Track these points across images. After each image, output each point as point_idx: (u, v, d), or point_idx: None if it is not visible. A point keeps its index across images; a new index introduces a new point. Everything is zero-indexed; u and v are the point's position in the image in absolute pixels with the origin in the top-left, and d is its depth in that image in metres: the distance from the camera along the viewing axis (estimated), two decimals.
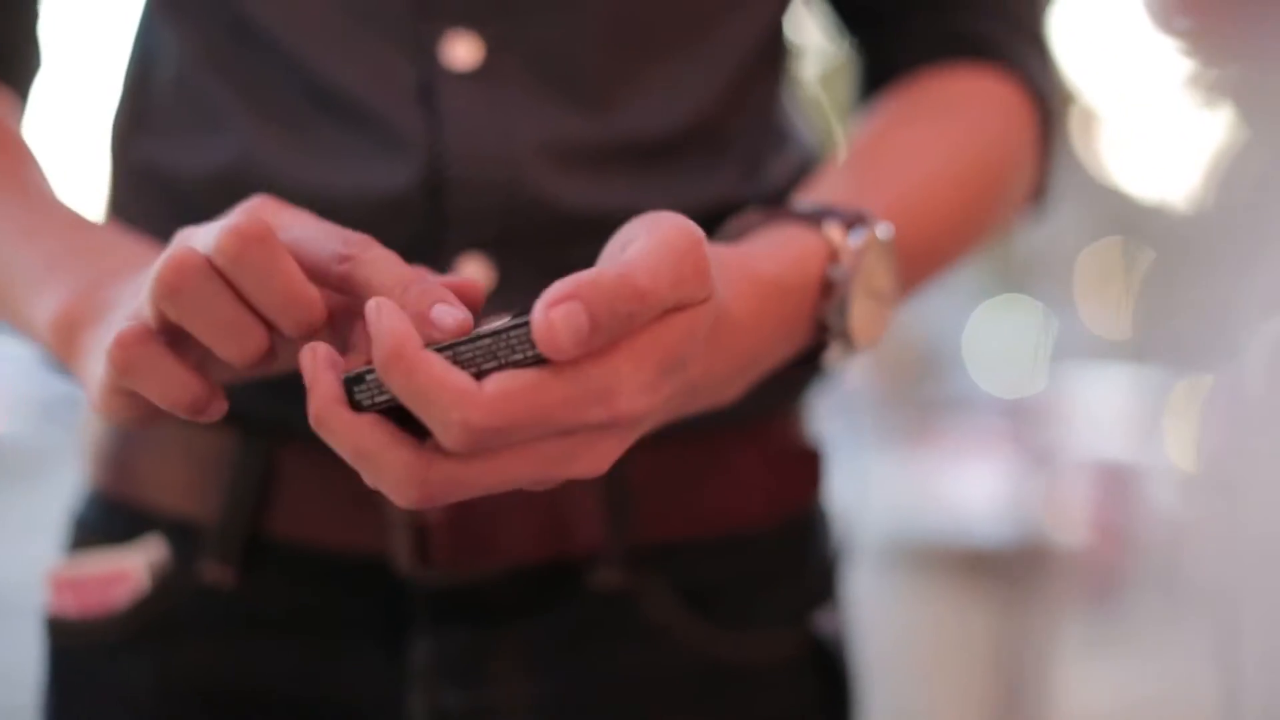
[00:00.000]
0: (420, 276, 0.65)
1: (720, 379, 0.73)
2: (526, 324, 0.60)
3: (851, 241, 0.79)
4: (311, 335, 0.64)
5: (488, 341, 0.61)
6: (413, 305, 0.63)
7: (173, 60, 0.92)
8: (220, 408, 0.66)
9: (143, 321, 0.64)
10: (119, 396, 0.67)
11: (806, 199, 0.85)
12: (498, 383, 0.59)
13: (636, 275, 0.61)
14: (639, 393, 0.62)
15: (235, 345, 0.64)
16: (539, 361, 0.60)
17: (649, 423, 0.66)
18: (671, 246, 0.63)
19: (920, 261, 0.90)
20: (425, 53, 0.86)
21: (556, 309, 0.58)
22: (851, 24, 1.04)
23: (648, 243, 0.63)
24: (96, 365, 0.68)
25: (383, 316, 0.59)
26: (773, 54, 0.98)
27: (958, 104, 0.96)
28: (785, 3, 0.97)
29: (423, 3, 0.87)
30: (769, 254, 0.77)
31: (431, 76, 0.86)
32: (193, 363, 0.66)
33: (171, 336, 0.65)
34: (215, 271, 0.63)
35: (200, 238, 0.65)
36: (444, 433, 0.59)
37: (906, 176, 0.90)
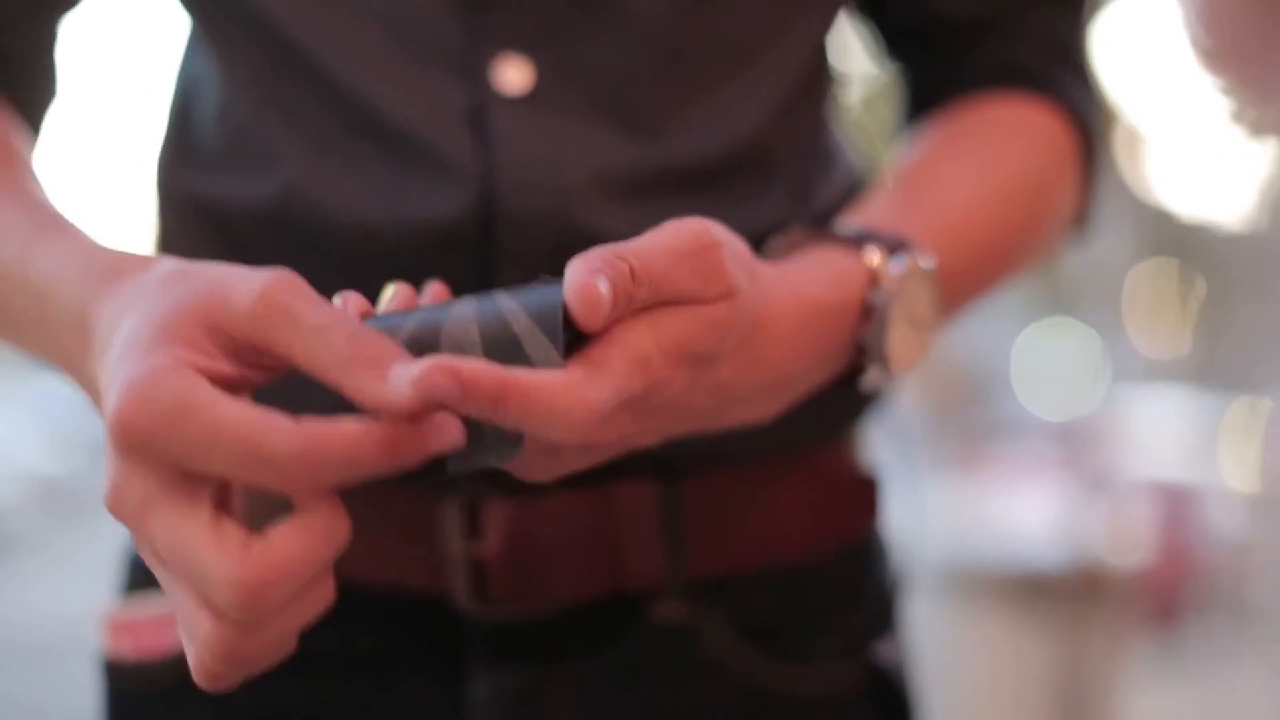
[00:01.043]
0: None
1: (756, 390, 0.73)
2: (536, 318, 0.61)
3: (892, 267, 0.80)
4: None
5: (513, 332, 0.61)
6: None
7: (217, 92, 0.92)
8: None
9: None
10: None
11: (850, 223, 0.85)
12: (582, 370, 0.61)
13: (629, 257, 0.63)
14: (666, 364, 0.65)
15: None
16: (553, 329, 0.61)
17: (683, 407, 0.69)
18: (669, 247, 0.65)
19: (961, 286, 0.90)
20: (476, 77, 0.86)
21: (600, 279, 0.60)
22: (896, 50, 1.04)
23: (649, 237, 0.65)
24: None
25: (461, 369, 0.57)
26: (819, 78, 0.97)
27: (1000, 132, 0.96)
28: (828, 24, 0.97)
29: (473, 26, 0.86)
30: (811, 274, 0.78)
31: (482, 101, 0.86)
32: None
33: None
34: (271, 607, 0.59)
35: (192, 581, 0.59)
36: (569, 426, 0.60)
37: (949, 203, 0.90)
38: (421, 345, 0.61)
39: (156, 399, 0.57)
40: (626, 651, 0.89)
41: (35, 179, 0.84)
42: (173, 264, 0.64)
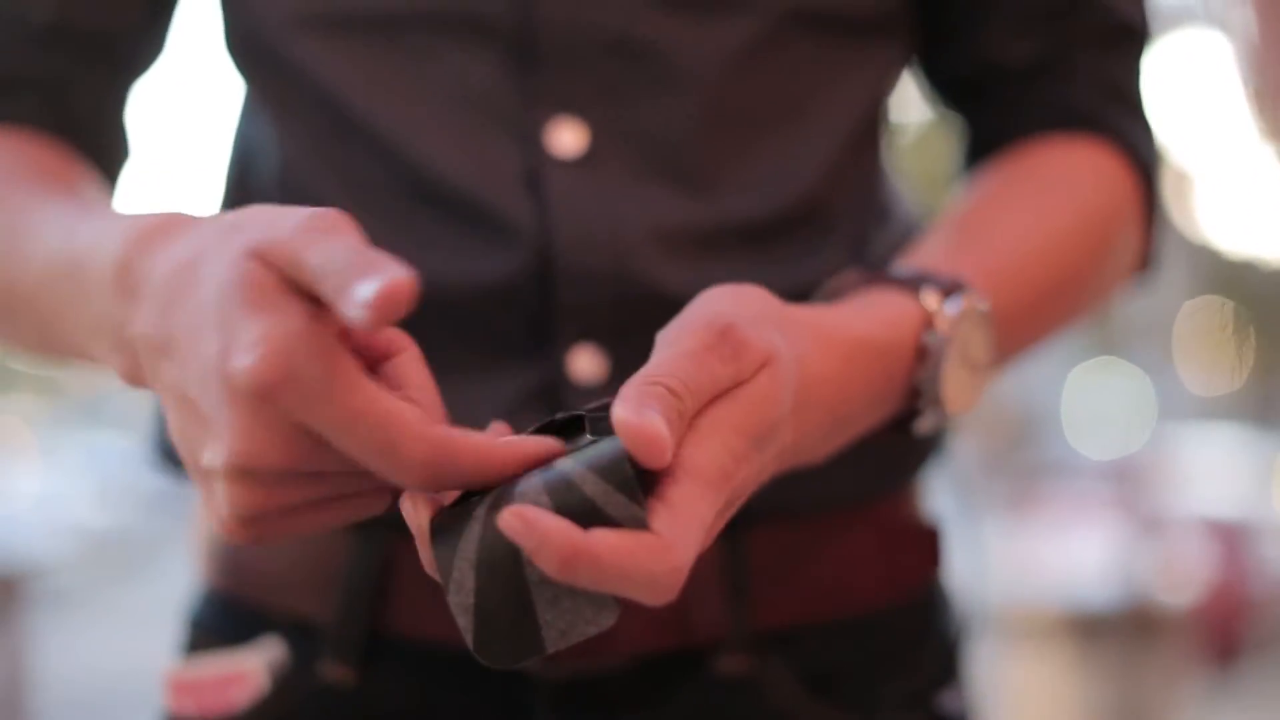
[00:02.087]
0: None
1: (813, 436, 0.73)
2: (610, 457, 0.59)
3: (948, 309, 0.79)
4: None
5: (586, 496, 0.58)
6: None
7: (275, 155, 0.93)
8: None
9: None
10: None
11: (905, 264, 0.85)
12: (666, 524, 0.59)
13: (662, 379, 0.61)
14: (740, 464, 0.63)
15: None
16: (627, 483, 0.58)
17: (756, 482, 0.68)
18: (690, 349, 0.63)
19: (1019, 329, 0.89)
20: (531, 140, 0.87)
21: (652, 415, 0.58)
22: (952, 96, 1.03)
23: (668, 348, 0.64)
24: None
25: (539, 520, 0.56)
26: (875, 131, 0.97)
27: (1061, 175, 0.95)
28: (891, 83, 0.97)
29: (528, 90, 0.87)
30: (857, 315, 0.77)
31: (537, 164, 0.86)
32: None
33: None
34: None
35: None
36: (655, 591, 0.59)
37: (1007, 245, 0.89)
38: (494, 528, 0.59)
39: (302, 371, 0.57)
40: (691, 705, 0.89)
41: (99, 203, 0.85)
42: (229, 215, 0.64)
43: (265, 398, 0.57)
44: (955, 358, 0.79)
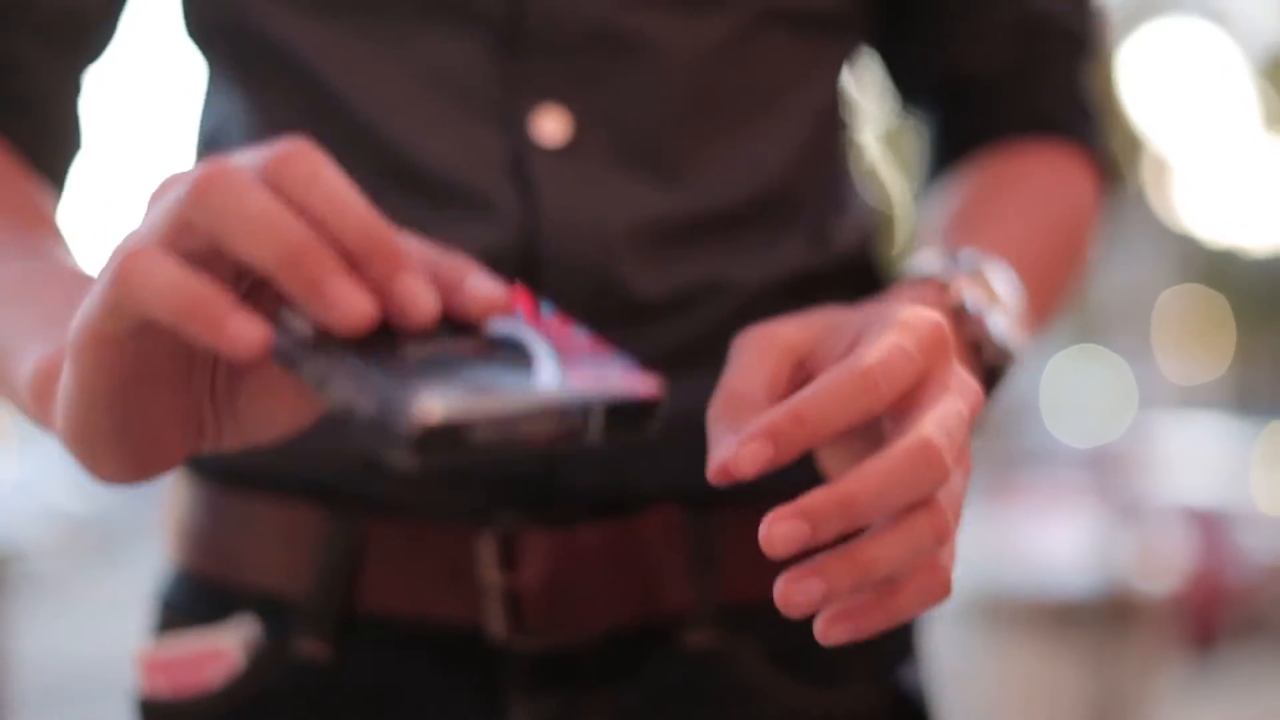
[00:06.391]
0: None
1: None
2: None
3: (956, 272, 0.81)
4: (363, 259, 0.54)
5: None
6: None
7: (250, 140, 0.92)
8: (248, 330, 0.51)
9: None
10: (110, 348, 0.56)
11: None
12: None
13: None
14: None
15: (273, 241, 0.52)
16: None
17: None
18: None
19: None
20: (515, 128, 0.87)
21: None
22: (920, 99, 1.07)
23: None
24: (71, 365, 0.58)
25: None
26: (836, 120, 0.99)
27: (1042, 181, 1.00)
28: (847, 74, 1.00)
29: (513, 77, 0.87)
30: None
31: (522, 152, 0.87)
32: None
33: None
34: (257, 179, 0.54)
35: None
36: None
37: (1007, 248, 0.92)
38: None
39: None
40: (660, 678, 0.90)
41: (33, 230, 0.83)
42: None
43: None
44: (984, 299, 0.80)
